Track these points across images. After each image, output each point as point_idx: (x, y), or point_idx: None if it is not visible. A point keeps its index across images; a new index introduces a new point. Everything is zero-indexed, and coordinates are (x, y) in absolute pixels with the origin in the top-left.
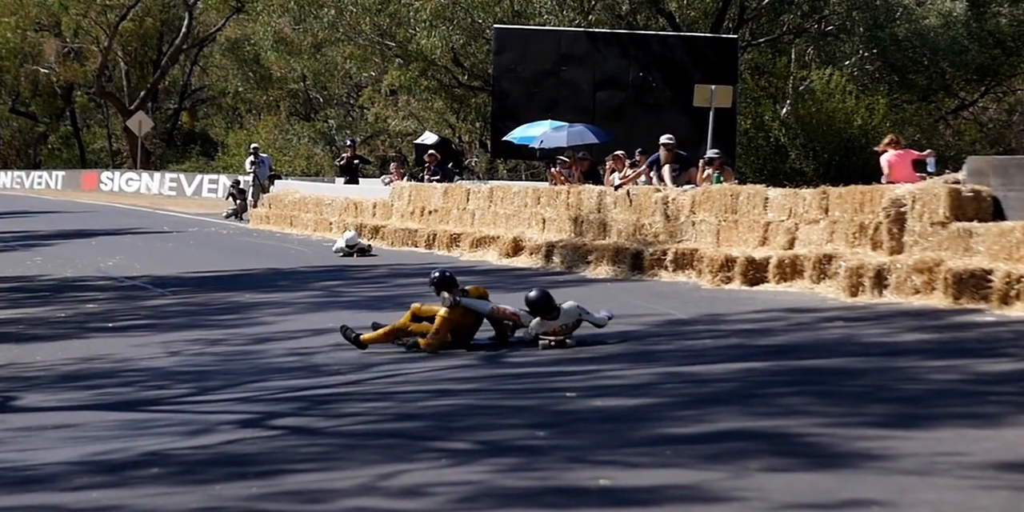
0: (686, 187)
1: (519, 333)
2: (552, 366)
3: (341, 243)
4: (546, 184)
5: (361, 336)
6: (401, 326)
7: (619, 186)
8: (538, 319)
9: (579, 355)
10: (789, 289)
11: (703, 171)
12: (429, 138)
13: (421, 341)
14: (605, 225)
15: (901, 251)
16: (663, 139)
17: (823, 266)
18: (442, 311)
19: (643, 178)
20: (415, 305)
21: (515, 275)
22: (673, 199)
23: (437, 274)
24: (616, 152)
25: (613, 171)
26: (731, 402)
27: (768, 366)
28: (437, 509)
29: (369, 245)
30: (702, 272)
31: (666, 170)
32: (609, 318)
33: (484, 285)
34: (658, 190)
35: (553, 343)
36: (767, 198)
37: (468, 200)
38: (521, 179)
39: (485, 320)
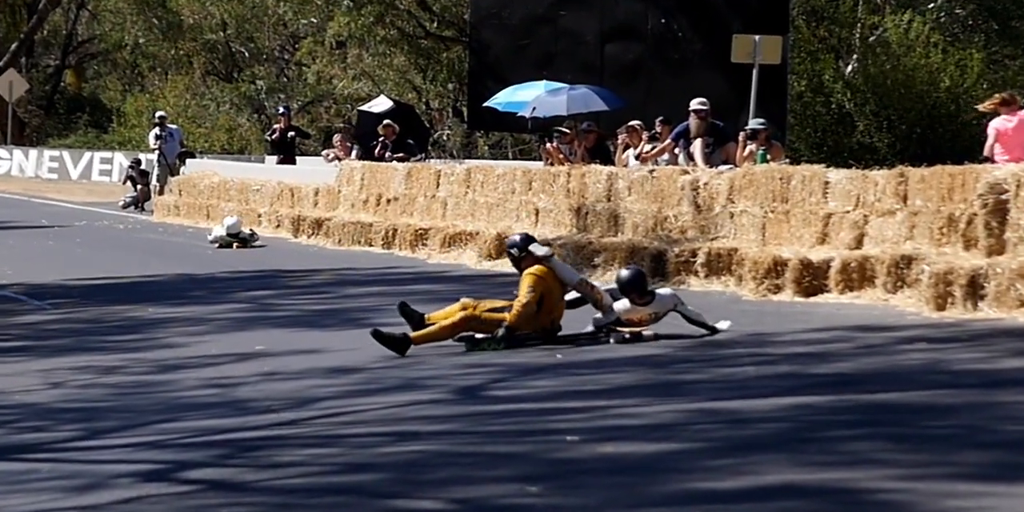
0: (722, 167)
1: (590, 324)
2: (548, 401)
3: (220, 231)
4: (540, 164)
5: (410, 334)
6: (472, 315)
7: (641, 159)
8: (626, 303)
9: (584, 387)
10: (856, 301)
11: (744, 147)
12: (380, 104)
13: (509, 315)
14: (617, 217)
15: (1002, 252)
16: (693, 105)
17: (900, 271)
18: (533, 269)
19: (666, 156)
20: (465, 300)
21: (500, 283)
22: (705, 184)
23: (517, 236)
24: (631, 122)
25: (627, 147)
26: (780, 448)
27: (828, 401)
28: None
29: (253, 232)
30: (743, 278)
31: (697, 145)
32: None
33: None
34: (686, 171)
35: (629, 336)
36: (827, 182)
37: (438, 185)
38: (507, 158)
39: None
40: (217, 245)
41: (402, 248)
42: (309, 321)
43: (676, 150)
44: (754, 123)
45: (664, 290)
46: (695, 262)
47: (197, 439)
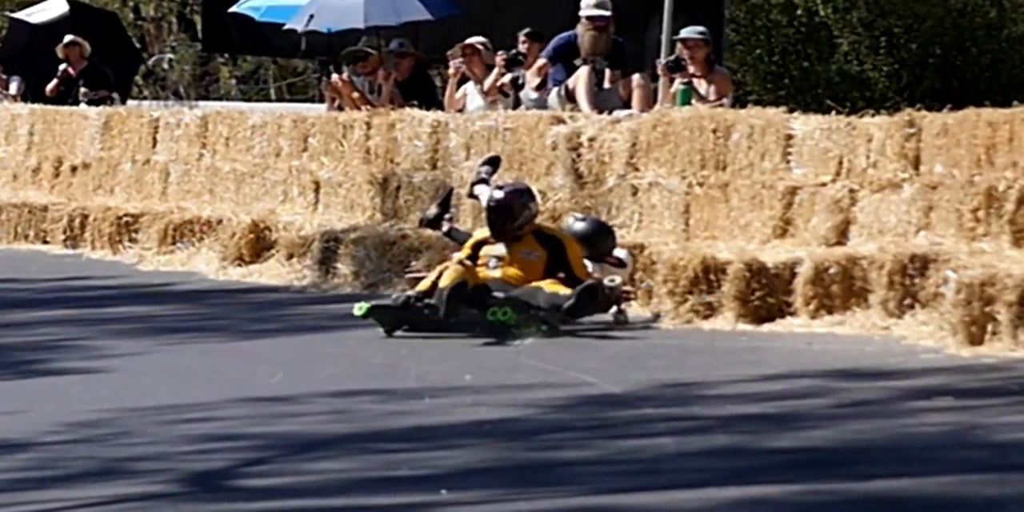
0: (621, 113)
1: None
2: (334, 496)
3: None
4: (322, 108)
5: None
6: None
7: (489, 96)
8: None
9: (394, 470)
10: (838, 329)
11: (669, 80)
12: (50, 8)
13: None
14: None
15: None
16: (587, 9)
17: (910, 281)
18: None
19: (531, 92)
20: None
21: (252, 304)
22: (592, 140)
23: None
24: (470, 40)
25: (465, 79)
26: None
27: (794, 494)
28: None
29: None
30: (653, 294)
31: (581, 76)
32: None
33: (188, 331)
34: (559, 120)
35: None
36: (790, 136)
37: (155, 144)
38: (269, 99)
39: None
40: None
41: (97, 246)
42: None
43: (550, 84)
44: (689, 32)
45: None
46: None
47: None
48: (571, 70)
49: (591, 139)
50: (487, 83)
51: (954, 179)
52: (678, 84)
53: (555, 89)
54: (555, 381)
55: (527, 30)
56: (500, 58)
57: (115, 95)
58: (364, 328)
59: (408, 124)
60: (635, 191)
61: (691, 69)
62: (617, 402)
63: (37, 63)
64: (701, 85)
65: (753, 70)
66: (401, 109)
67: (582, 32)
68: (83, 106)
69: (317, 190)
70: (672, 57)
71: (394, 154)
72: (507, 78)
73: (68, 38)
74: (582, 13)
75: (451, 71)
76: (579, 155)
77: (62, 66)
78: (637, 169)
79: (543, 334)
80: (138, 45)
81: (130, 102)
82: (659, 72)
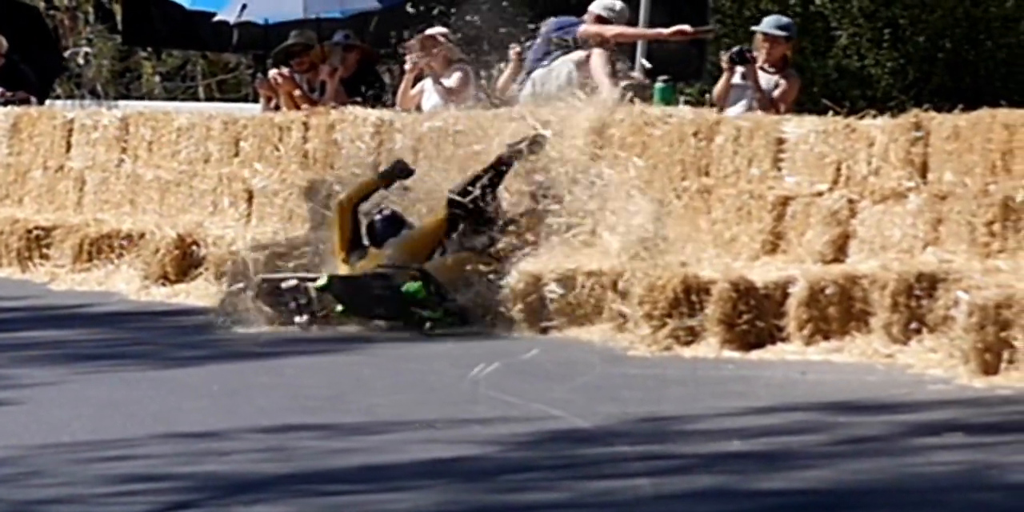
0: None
1: None
2: None
3: None
4: (256, 108)
5: None
6: None
7: (450, 95)
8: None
9: None
10: (835, 356)
11: (731, 74)
12: None
13: None
14: (405, 201)
15: None
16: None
17: (916, 303)
18: None
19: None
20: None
21: (177, 327)
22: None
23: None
24: (430, 31)
25: (419, 78)
26: None
27: None
28: None
29: None
30: (627, 317)
31: (597, 60)
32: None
33: (106, 358)
34: (518, 118)
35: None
36: (781, 140)
37: (69, 148)
38: (197, 98)
39: None
40: None
41: (4, 263)
42: None
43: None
44: (770, 26)
45: None
46: (526, 291)
47: None
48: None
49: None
50: (501, 80)
51: (966, 188)
52: (659, 81)
53: (537, 72)
54: (518, 415)
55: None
56: (514, 51)
57: (33, 98)
58: (303, 355)
59: (350, 124)
60: (594, 199)
61: (759, 63)
62: (587, 438)
63: None
64: (768, 81)
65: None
66: (343, 108)
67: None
68: None
69: (250, 200)
70: (736, 49)
71: (334, 159)
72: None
73: None
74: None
75: (408, 66)
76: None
77: None
78: (599, 177)
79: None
80: (52, 35)
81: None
82: (723, 64)
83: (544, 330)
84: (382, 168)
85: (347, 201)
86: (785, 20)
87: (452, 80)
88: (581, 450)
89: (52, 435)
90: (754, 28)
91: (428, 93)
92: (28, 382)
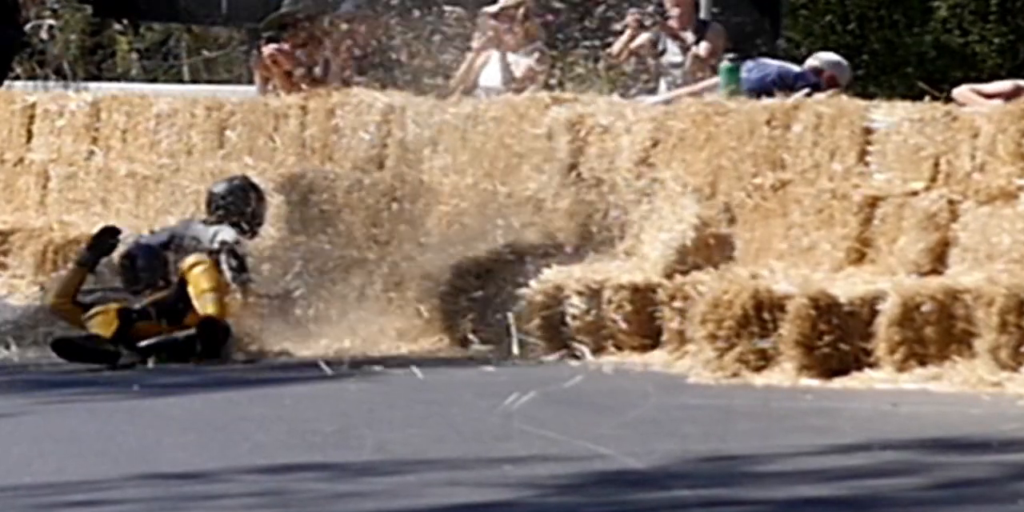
0: (653, 99)
1: None
2: None
3: None
4: (250, 91)
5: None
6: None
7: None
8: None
9: None
10: (933, 385)
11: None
12: None
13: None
14: (406, 206)
15: None
16: None
17: None
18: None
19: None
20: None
21: None
22: (602, 130)
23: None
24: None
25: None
26: None
27: None
28: None
29: None
30: (687, 338)
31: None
32: None
33: (74, 385)
34: (557, 101)
35: None
36: (868, 130)
37: (30, 137)
38: (180, 80)
39: None
40: None
41: None
42: None
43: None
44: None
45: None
46: (574, 305)
47: None
48: None
49: (601, 128)
50: (616, 46)
51: None
52: (726, 61)
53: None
54: (558, 453)
55: None
56: (633, 17)
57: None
58: (304, 382)
59: (353, 109)
60: (645, 198)
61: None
62: (640, 481)
63: None
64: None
65: (821, 41)
66: (350, 88)
67: None
68: None
69: None
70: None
71: (330, 150)
72: (643, 38)
73: None
74: None
75: (475, 43)
76: (579, 150)
77: None
78: (651, 165)
79: None
80: (12, 7)
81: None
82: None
83: (589, 353)
84: (82, 250)
85: (60, 303)
86: None
87: (525, 61)
88: (633, 495)
89: (10, 476)
90: None
91: (490, 67)
92: None
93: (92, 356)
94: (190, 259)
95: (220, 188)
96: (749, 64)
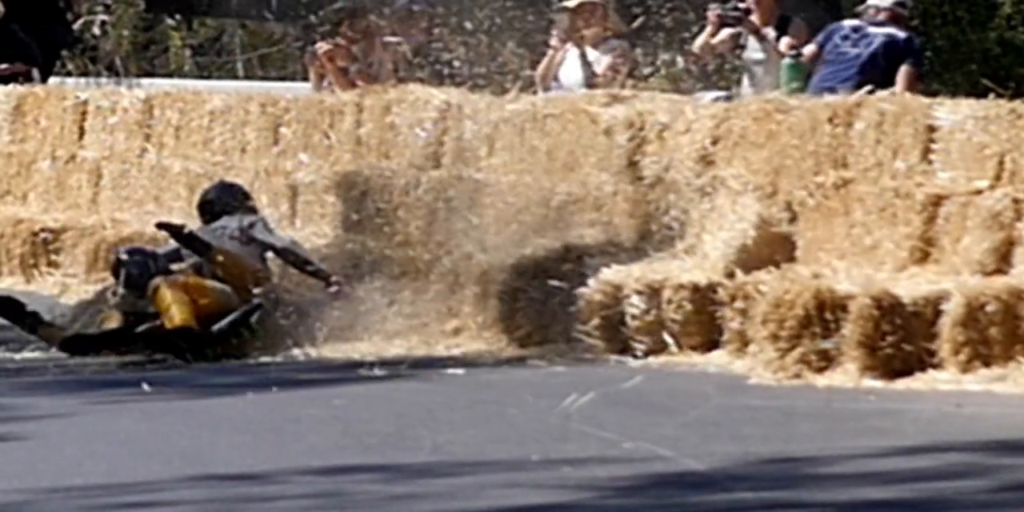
0: (712, 95)
1: None
2: None
3: None
4: (305, 87)
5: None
6: None
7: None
8: None
9: None
10: (998, 386)
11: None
12: None
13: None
14: (459, 207)
15: None
16: None
17: None
18: None
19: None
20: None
21: None
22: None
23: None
24: None
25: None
26: None
27: None
28: None
29: None
30: (747, 338)
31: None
32: None
33: (126, 385)
34: (615, 99)
35: None
36: (932, 128)
37: (82, 134)
38: (235, 77)
39: None
40: None
41: (5, 272)
42: None
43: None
44: None
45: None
46: (633, 305)
47: None
48: None
49: (661, 127)
50: (698, 43)
51: None
52: (787, 57)
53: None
54: (617, 454)
55: None
56: (714, 14)
57: (35, 72)
58: (359, 383)
59: (409, 106)
60: (705, 196)
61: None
62: (701, 483)
63: None
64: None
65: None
66: (405, 85)
67: None
68: None
69: (294, 196)
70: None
71: (387, 148)
72: (725, 35)
73: None
74: None
75: (553, 41)
76: (640, 148)
77: None
78: (715, 163)
79: None
80: (64, 4)
81: (51, 80)
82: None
83: (646, 354)
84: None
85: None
86: None
87: (606, 58)
88: (694, 497)
89: (61, 477)
90: None
91: (569, 64)
92: (33, 414)
93: (101, 341)
94: (152, 283)
95: (211, 194)
96: None
